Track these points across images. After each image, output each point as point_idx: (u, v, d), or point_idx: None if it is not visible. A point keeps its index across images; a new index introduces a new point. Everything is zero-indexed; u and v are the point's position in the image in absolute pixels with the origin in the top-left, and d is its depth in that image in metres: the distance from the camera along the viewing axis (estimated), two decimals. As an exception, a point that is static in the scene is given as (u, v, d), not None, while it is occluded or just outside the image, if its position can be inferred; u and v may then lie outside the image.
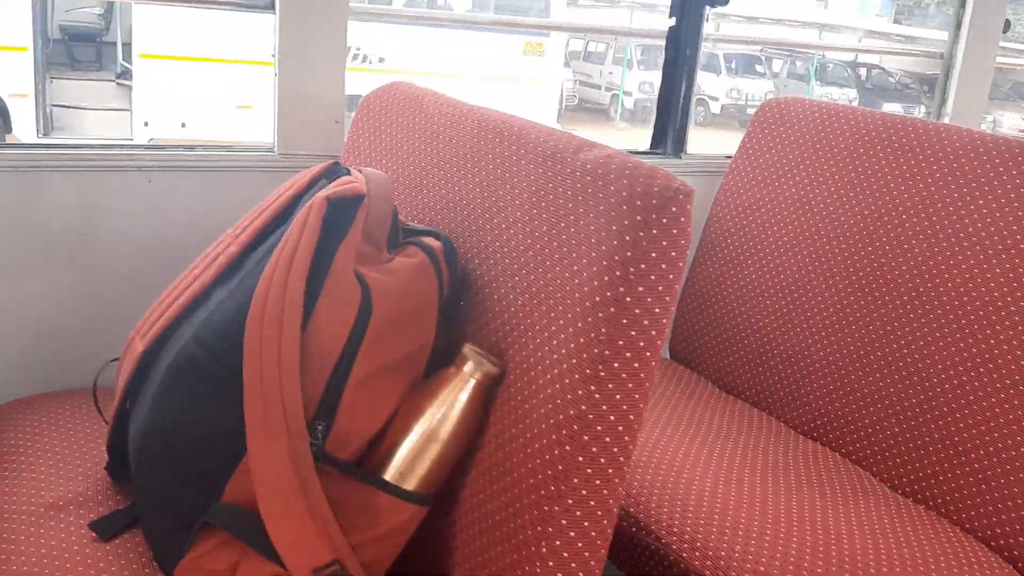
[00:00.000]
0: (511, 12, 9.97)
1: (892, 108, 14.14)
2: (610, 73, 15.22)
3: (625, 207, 0.90)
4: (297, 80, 1.56)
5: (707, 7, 1.88)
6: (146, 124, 7.68)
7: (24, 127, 7.58)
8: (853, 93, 16.65)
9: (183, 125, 7.80)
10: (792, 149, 1.72)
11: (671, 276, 0.88)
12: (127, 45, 7.93)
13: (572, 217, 0.97)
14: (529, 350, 0.98)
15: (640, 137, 13.85)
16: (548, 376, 0.94)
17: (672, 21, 1.90)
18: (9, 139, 7.78)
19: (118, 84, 7.84)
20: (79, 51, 8.34)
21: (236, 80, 7.69)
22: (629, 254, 0.88)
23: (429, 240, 1.07)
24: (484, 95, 8.39)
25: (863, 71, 18.55)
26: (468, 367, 0.99)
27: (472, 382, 0.99)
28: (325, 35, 1.56)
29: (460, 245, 1.13)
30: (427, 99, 1.37)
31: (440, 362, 1.02)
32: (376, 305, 0.97)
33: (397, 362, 0.99)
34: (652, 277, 0.87)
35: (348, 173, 1.09)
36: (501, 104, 1.33)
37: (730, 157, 1.84)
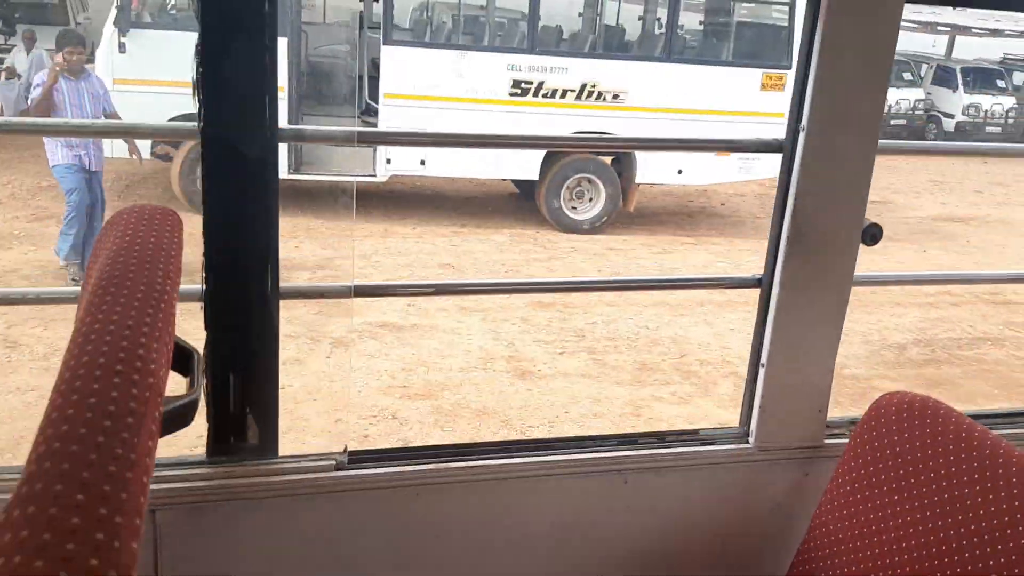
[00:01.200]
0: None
1: None
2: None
3: None
4: (785, 371, 1.41)
5: None
6: (388, 161, 7.88)
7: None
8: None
9: (422, 163, 7.96)
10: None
11: None
12: (373, 79, 8.13)
13: None
14: None
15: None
16: None
17: None
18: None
19: (363, 121, 8.05)
20: (325, 87, 8.62)
21: (473, 119, 7.76)
22: None
23: None
24: (716, 132, 8.08)
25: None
26: None
27: None
28: (821, 317, 1.40)
29: None
30: (964, 429, 1.17)
31: None
32: None
33: None
34: None
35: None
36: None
37: None
